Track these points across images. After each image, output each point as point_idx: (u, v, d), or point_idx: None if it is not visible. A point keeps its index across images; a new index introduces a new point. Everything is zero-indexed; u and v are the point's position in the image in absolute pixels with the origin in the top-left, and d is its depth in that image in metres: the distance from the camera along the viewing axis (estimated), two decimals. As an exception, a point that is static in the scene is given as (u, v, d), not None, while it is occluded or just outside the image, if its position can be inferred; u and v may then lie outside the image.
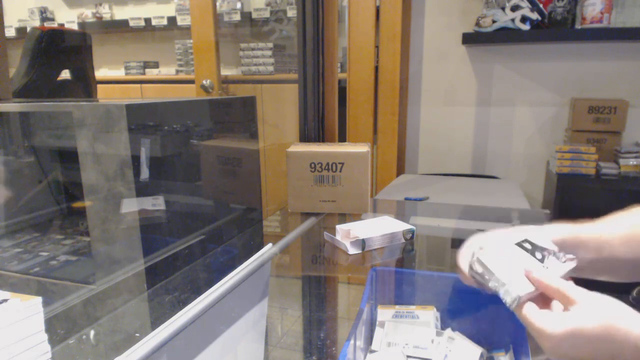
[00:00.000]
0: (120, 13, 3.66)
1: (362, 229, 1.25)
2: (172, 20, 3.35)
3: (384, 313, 0.87)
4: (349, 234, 1.22)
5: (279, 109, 2.79)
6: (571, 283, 0.58)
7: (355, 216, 1.46)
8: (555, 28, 2.10)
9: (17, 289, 1.20)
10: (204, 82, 2.62)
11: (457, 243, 1.32)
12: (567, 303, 0.56)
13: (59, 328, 0.94)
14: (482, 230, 0.65)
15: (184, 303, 0.89)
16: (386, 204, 1.78)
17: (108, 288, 1.14)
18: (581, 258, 0.65)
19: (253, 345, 1.05)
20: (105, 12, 3.62)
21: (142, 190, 1.15)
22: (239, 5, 3.11)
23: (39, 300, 0.76)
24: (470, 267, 0.65)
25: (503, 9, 2.12)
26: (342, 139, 2.25)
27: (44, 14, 3.73)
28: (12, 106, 1.45)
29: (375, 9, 2.27)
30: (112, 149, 1.12)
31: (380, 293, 0.90)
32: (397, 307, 0.87)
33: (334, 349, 0.90)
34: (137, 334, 0.93)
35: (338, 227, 1.25)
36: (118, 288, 1.15)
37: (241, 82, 3.07)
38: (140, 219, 1.18)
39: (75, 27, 3.62)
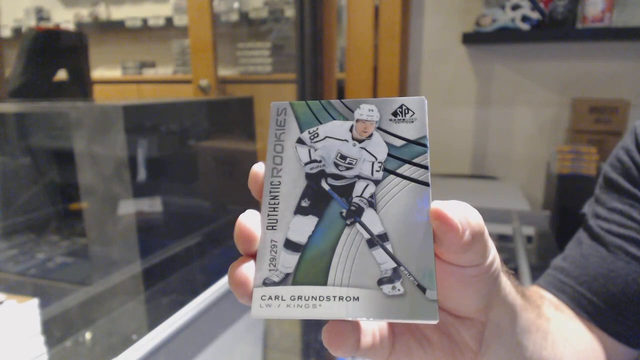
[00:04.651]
0: (117, 13, 3.64)
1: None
2: (169, 20, 3.34)
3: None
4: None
5: (277, 109, 2.78)
6: None
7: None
8: (555, 28, 2.09)
9: (13, 290, 1.19)
10: (201, 82, 2.61)
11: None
12: None
13: (55, 330, 0.94)
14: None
15: (181, 305, 0.89)
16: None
17: (105, 290, 1.13)
18: None
19: (250, 347, 1.04)
20: (102, 12, 3.60)
21: (139, 192, 1.15)
22: (236, 5, 3.10)
23: (35, 302, 0.75)
24: None
25: (503, 8, 2.11)
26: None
27: (40, 14, 3.71)
28: (8, 107, 1.44)
29: (374, 9, 2.26)
30: (109, 151, 1.11)
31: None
32: None
33: (333, 352, 0.89)
34: (134, 336, 0.92)
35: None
36: (115, 290, 1.14)
37: (239, 82, 3.07)
38: (137, 221, 1.17)
39: (71, 27, 3.61)
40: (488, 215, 1.60)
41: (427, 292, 0.28)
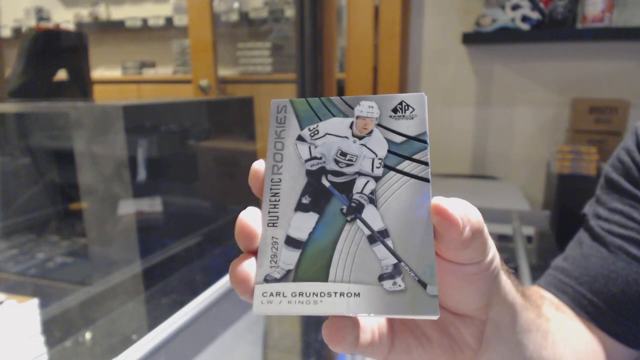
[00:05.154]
0: (117, 13, 3.64)
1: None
2: (169, 20, 3.34)
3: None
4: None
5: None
6: None
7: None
8: (555, 28, 2.09)
9: (13, 290, 1.19)
10: (201, 82, 2.61)
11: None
12: None
13: (55, 330, 0.94)
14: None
15: (181, 305, 0.89)
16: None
17: (105, 290, 1.13)
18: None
19: (250, 347, 1.04)
20: (102, 12, 3.60)
21: (139, 192, 1.15)
22: (236, 5, 3.10)
23: (35, 302, 0.75)
24: None
25: (503, 8, 2.11)
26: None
27: (40, 14, 3.71)
28: (8, 107, 1.44)
29: (374, 9, 2.26)
30: (109, 151, 1.11)
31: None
32: None
33: (332, 351, 0.89)
34: (134, 336, 0.92)
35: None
36: (115, 290, 1.14)
37: (239, 82, 3.06)
38: (137, 221, 1.17)
39: (71, 27, 3.60)
40: (488, 215, 1.60)
41: (428, 288, 0.28)
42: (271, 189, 0.31)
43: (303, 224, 0.30)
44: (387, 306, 0.28)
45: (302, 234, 0.30)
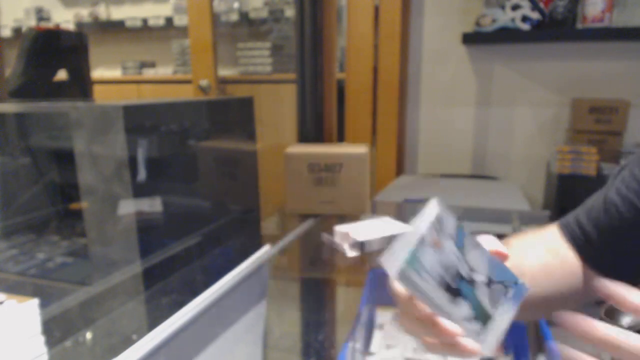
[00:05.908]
0: (117, 13, 3.65)
1: (362, 231, 1.24)
2: (169, 20, 3.35)
3: (384, 315, 0.86)
4: (347, 237, 1.21)
5: (277, 109, 2.78)
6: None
7: (355, 217, 1.45)
8: (555, 28, 2.09)
9: (13, 290, 1.19)
10: (201, 82, 2.61)
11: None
12: None
13: (55, 330, 0.94)
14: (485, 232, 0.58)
15: (181, 305, 0.89)
16: (385, 205, 1.77)
17: (105, 290, 1.13)
18: None
19: (250, 347, 1.04)
20: (102, 12, 3.60)
21: (139, 192, 1.14)
22: (236, 5, 3.10)
23: (35, 302, 0.75)
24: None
25: (503, 8, 2.11)
26: (340, 139, 2.24)
27: (40, 14, 3.71)
28: (8, 107, 1.44)
29: (374, 9, 2.26)
30: (109, 151, 1.11)
31: (379, 295, 0.89)
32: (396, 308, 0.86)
33: (332, 351, 0.90)
34: (134, 336, 0.92)
35: (337, 228, 1.24)
36: (115, 290, 1.14)
37: (239, 82, 3.07)
38: (137, 221, 1.17)
39: (71, 27, 3.61)
40: (488, 215, 1.60)
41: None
42: (432, 300, 0.45)
43: (462, 309, 0.47)
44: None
45: (466, 312, 0.47)
